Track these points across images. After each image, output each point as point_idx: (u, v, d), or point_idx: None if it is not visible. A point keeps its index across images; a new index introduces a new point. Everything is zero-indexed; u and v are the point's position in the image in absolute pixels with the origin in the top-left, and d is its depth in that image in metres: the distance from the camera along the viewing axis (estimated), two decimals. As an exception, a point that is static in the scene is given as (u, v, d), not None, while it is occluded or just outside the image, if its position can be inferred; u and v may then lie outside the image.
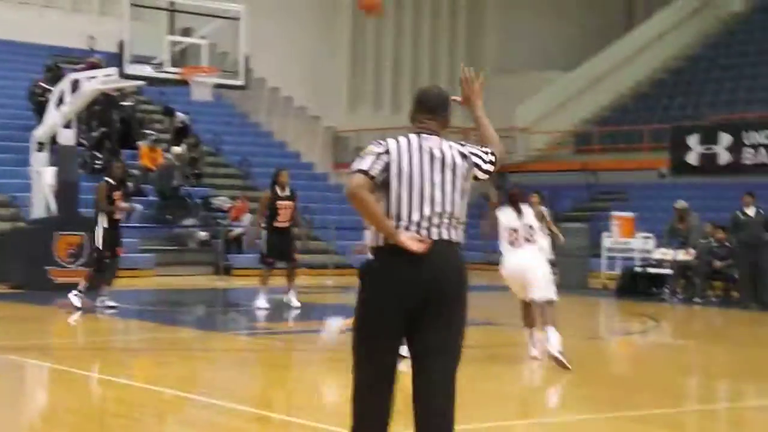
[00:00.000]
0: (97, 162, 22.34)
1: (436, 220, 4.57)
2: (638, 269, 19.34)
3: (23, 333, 11.93)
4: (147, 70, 16.22)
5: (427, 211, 4.57)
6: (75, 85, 17.55)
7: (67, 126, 17.76)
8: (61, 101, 17.72)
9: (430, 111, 4.82)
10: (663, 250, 19.48)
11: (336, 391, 8.44)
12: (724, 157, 26.08)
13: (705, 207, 22.03)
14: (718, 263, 17.71)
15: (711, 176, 26.23)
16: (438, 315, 4.54)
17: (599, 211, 26.23)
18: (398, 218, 4.57)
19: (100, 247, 13.64)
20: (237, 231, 22.44)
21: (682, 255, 18.40)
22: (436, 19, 35.03)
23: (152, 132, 24.20)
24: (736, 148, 25.80)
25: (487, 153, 4.96)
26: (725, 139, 26.09)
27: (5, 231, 18.77)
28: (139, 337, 12.41)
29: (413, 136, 4.74)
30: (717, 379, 9.96)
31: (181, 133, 24.49)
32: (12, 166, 22.24)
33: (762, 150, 25.39)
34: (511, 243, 9.77)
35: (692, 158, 26.72)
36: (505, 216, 9.99)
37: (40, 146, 18.40)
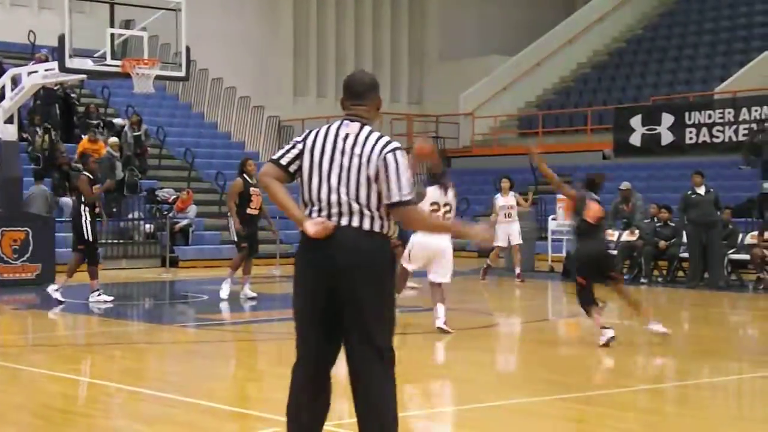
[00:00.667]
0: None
1: (341, 208, 4.60)
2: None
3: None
4: (88, 64, 16.03)
5: (333, 197, 4.63)
6: (15, 81, 17.32)
7: (9, 121, 17.52)
8: (2, 97, 17.47)
9: (357, 96, 4.84)
10: (608, 231, 19.67)
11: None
12: (666, 138, 26.40)
13: (649, 188, 22.31)
14: (663, 243, 17.93)
15: (654, 157, 26.53)
16: (350, 302, 4.53)
17: (545, 194, 26.43)
18: (309, 204, 4.69)
19: (91, 239, 13.79)
20: (183, 223, 22.31)
21: (627, 236, 18.61)
22: (378, 6, 35.01)
23: (95, 124, 23.91)
24: (678, 129, 26.10)
25: (402, 189, 4.63)
26: (667, 119, 26.40)
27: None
28: (87, 331, 12.31)
29: (335, 124, 4.79)
30: (663, 359, 10.09)
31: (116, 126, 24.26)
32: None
33: (704, 129, 25.72)
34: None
35: (635, 139, 27.03)
36: (432, 193, 10.57)
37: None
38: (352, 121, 4.78)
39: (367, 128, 4.78)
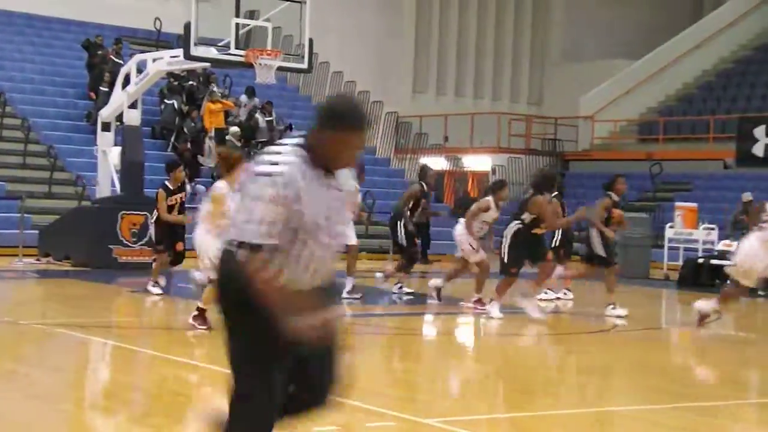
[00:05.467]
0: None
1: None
2: (701, 260, 19.08)
3: (87, 310, 12.12)
4: (212, 52, 16.34)
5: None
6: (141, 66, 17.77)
7: (133, 106, 17.97)
8: (127, 81, 17.94)
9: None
10: (726, 241, 19.19)
11: (393, 375, 8.45)
12: (790, 149, 25.62)
13: (771, 199, 21.63)
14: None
15: (777, 168, 25.79)
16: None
17: (663, 201, 25.92)
18: None
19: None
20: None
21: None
22: (502, 4, 34.82)
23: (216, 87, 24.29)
24: (802, 141, 25.35)
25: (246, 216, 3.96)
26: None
27: (71, 209, 19.07)
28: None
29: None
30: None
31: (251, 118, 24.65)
32: (78, 145, 22.62)
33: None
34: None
35: (758, 150, 26.27)
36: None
37: (106, 126, 18.65)
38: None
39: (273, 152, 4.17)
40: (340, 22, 30.49)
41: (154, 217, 13.33)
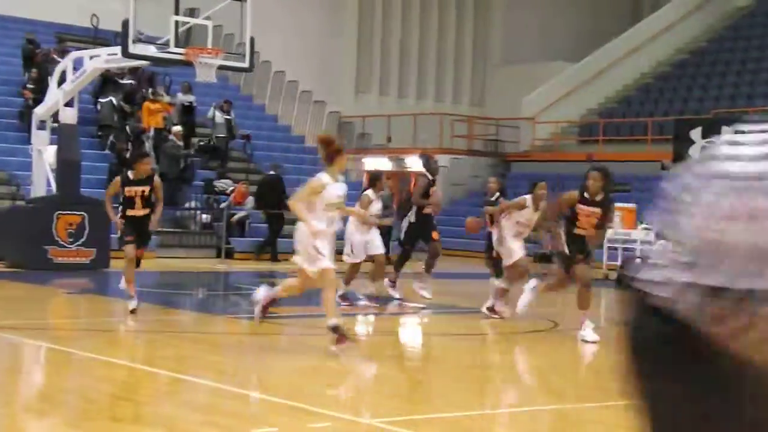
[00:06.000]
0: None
1: None
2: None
3: (21, 312, 11.88)
4: (151, 50, 16.14)
5: None
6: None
7: (69, 104, 17.68)
8: (63, 79, 17.65)
9: None
10: (665, 242, 19.47)
11: (333, 376, 8.41)
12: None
13: (708, 200, 21.99)
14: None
15: (714, 170, 26.18)
16: None
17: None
18: None
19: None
20: (240, 214, 22.39)
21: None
22: (444, 6, 34.92)
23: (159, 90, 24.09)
24: (738, 143, 25.77)
25: None
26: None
27: (4, 209, 18.71)
28: (139, 318, 12.34)
29: None
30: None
31: (185, 114, 24.40)
32: (13, 144, 22.19)
33: (765, 144, 25.35)
34: None
35: (695, 152, 26.65)
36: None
37: (42, 124, 18.34)
38: None
39: None
40: (282, 21, 30.34)
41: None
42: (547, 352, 10.51)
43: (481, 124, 32.58)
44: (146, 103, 23.10)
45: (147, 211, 11.45)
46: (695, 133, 26.69)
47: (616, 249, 20.92)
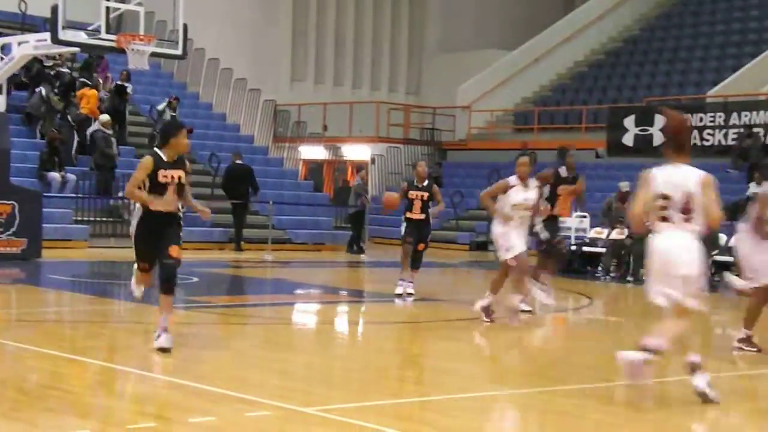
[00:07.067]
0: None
1: None
2: (573, 248, 19.54)
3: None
4: (82, 37, 15.89)
5: None
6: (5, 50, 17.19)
7: (-2, 91, 17.38)
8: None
9: None
10: (597, 229, 19.76)
11: (270, 365, 8.39)
12: (658, 139, 26.43)
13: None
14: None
15: (646, 157, 26.56)
16: None
17: (537, 190, 26.45)
18: None
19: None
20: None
21: (616, 234, 18.72)
22: (378, -5, 34.93)
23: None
24: (670, 131, 26.24)
25: None
26: (660, 120, 26.44)
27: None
28: (73, 308, 12.20)
29: None
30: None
31: (118, 96, 24.08)
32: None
33: (695, 132, 25.81)
34: None
35: (628, 139, 27.03)
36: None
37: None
38: None
39: None
40: (216, 8, 30.10)
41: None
42: (481, 338, 10.60)
43: (418, 112, 32.67)
44: (83, 91, 22.76)
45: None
46: (628, 121, 27.05)
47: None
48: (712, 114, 25.70)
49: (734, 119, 25.21)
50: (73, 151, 22.24)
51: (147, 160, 8.49)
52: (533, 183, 11.26)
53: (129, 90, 24.17)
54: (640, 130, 26.81)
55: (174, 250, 8.45)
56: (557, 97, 32.29)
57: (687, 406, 7.46)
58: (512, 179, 11.05)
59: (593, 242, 19.46)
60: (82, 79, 23.63)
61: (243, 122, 28.76)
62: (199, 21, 26.49)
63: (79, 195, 20.98)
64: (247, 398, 6.68)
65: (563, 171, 12.84)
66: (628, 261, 18.18)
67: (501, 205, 10.90)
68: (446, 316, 11.88)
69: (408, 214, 13.52)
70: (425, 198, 13.50)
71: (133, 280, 9.20)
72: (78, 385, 7.35)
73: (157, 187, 8.42)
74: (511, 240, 10.81)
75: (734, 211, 21.10)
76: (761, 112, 24.86)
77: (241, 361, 8.55)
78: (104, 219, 21.38)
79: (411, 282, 13.44)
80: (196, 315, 11.57)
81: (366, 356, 9.38)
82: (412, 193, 13.51)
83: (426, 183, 13.62)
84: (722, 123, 25.37)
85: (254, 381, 7.36)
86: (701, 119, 25.77)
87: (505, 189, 10.94)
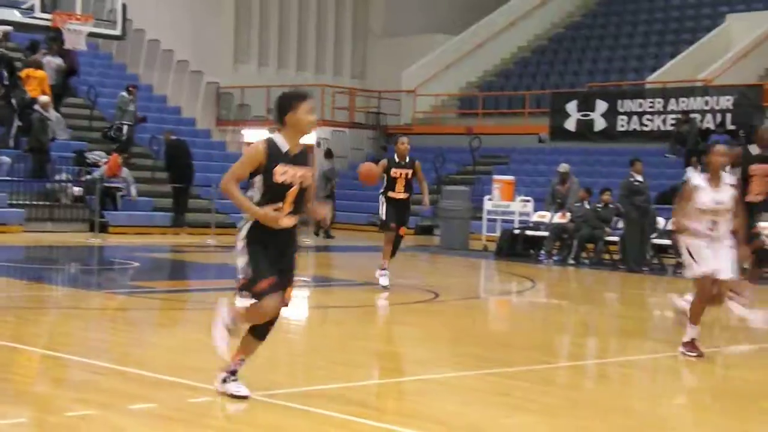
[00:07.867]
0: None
1: None
2: (517, 231, 19.63)
3: None
4: (15, 15, 15.56)
5: None
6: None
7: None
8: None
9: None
10: (540, 212, 19.88)
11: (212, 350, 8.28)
12: (599, 124, 26.76)
13: (581, 172, 22.55)
14: (608, 229, 18.17)
15: (587, 142, 26.90)
16: None
17: (482, 175, 26.53)
18: None
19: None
20: (121, 186, 21.84)
21: (559, 218, 18.88)
22: (323, -22, 34.66)
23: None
24: (610, 116, 26.58)
25: None
26: (601, 106, 26.73)
27: None
28: (9, 294, 11.94)
29: None
30: (586, 337, 10.27)
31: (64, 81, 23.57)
32: None
33: (635, 118, 26.18)
34: None
35: (570, 124, 27.24)
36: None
37: None
38: None
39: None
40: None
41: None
42: (427, 322, 10.59)
43: (363, 96, 32.55)
44: (27, 71, 22.16)
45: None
46: (571, 106, 27.25)
47: (495, 221, 21.21)
48: (651, 100, 26.06)
49: (672, 105, 25.58)
50: (13, 133, 21.75)
51: (257, 150, 5.99)
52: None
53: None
54: (582, 116, 27.05)
55: (290, 294, 6.40)
56: (501, 82, 32.39)
57: (627, 387, 7.52)
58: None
59: (536, 226, 19.56)
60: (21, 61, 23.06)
61: (185, 105, 28.41)
62: (139, 1, 26.12)
63: (14, 178, 20.58)
64: (189, 384, 6.57)
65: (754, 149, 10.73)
66: (570, 244, 18.32)
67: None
68: (393, 300, 11.84)
69: (390, 194, 12.47)
70: (409, 176, 12.53)
71: (227, 323, 6.46)
72: (15, 373, 7.18)
73: (273, 191, 6.04)
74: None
75: (672, 195, 21.50)
76: (698, 98, 25.23)
77: (184, 346, 8.43)
78: (40, 203, 21.00)
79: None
80: (138, 300, 11.39)
81: (312, 341, 9.31)
82: (396, 171, 12.48)
83: (408, 160, 12.61)
84: (661, 109, 25.75)
85: (196, 366, 7.25)
86: (641, 105, 26.12)
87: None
